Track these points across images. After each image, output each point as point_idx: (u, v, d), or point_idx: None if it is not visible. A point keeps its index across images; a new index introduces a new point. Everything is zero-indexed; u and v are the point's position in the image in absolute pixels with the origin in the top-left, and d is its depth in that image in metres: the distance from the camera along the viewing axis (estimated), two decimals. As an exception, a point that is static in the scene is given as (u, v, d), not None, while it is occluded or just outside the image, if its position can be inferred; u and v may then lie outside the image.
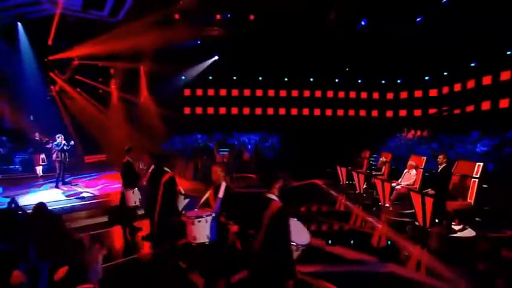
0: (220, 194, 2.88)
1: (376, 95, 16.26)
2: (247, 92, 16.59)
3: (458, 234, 5.11)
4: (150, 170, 4.37)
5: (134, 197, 4.62)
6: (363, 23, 11.21)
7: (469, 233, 5.15)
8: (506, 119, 10.27)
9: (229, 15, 11.03)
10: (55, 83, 11.75)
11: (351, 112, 16.48)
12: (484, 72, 11.92)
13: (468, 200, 5.09)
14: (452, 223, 5.25)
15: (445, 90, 13.90)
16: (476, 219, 5.47)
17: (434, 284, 3.76)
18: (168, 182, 3.46)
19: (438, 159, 5.38)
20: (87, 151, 12.84)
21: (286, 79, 16.31)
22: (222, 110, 16.63)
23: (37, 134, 9.38)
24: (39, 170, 9.06)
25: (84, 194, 6.93)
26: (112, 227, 5.08)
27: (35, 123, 10.49)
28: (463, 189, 5.27)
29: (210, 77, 16.17)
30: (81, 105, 12.18)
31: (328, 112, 16.56)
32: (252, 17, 11.02)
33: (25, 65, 10.96)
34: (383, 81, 15.93)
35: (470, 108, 12.57)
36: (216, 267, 2.83)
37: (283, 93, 16.56)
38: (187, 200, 3.84)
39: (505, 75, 11.24)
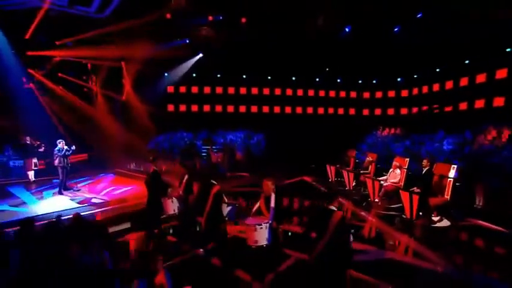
0: (272, 204, 3.55)
1: (353, 94, 17.61)
2: (231, 90, 17.09)
3: (437, 224, 6.32)
4: (184, 181, 4.87)
5: (173, 205, 5.07)
6: (347, 29, 12.26)
7: (445, 223, 6.39)
8: (466, 120, 12.05)
9: (221, 17, 11.40)
10: (33, 79, 11.23)
11: (331, 110, 17.72)
12: (446, 77, 13.69)
13: (445, 196, 6.31)
14: (432, 215, 6.46)
15: (415, 91, 15.62)
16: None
17: (425, 267, 4.82)
18: (217, 193, 4.04)
19: (423, 164, 6.54)
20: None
21: (269, 77, 17.09)
22: (206, 108, 16.98)
23: (28, 138, 9.07)
24: (31, 175, 8.85)
25: (95, 200, 7.12)
26: (139, 233, 5.46)
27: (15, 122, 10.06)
28: (441, 187, 6.49)
29: (194, 74, 16.42)
30: (63, 103, 11.79)
31: (309, 110, 17.66)
32: (244, 19, 11.50)
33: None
34: (360, 81, 17.36)
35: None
36: (268, 265, 3.52)
37: (266, 91, 17.32)
38: (229, 208, 4.43)
39: (463, 81, 13.08)
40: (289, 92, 17.43)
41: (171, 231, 5.50)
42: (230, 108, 17.13)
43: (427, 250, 5.38)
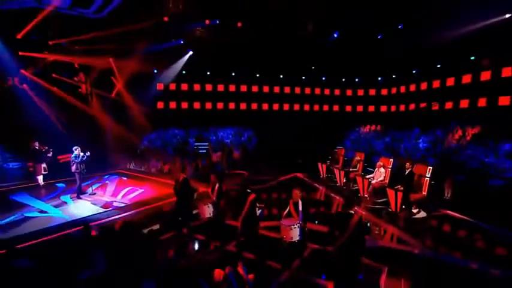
0: (300, 208, 4.69)
1: (337, 92, 19.11)
2: (220, 88, 17.87)
3: (416, 216, 7.85)
4: (216, 188, 5.86)
5: (209, 210, 6.00)
6: (335, 35, 13.48)
7: (422, 214, 7.94)
8: (437, 119, 13.93)
9: (217, 21, 12.10)
10: (26, 79, 11.28)
11: (316, 107, 19.15)
12: (422, 79, 15.48)
13: (423, 192, 7.84)
14: (412, 208, 7.99)
15: (393, 90, 17.38)
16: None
17: (408, 250, 6.26)
18: (253, 200, 5.09)
19: (406, 166, 8.02)
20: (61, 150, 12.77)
21: (258, 75, 18.05)
22: (197, 105, 17.67)
23: (36, 143, 9.38)
24: (40, 179, 9.25)
25: (116, 204, 7.81)
26: (170, 233, 6.37)
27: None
28: (420, 184, 8.01)
29: (184, 72, 16.94)
30: (57, 103, 11.99)
31: (296, 107, 18.96)
32: (239, 24, 12.30)
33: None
34: (343, 80, 18.85)
35: (412, 107, 16.21)
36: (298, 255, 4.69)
37: (255, 88, 18.33)
38: (260, 211, 5.47)
39: (436, 84, 14.92)
40: (276, 89, 18.58)
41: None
42: (220, 106, 17.95)
43: (408, 237, 6.86)
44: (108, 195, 8.61)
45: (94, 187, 9.03)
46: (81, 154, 8.25)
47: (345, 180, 10.61)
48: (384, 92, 17.90)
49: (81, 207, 7.46)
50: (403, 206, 7.93)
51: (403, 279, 5.11)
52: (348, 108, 19.06)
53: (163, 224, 6.62)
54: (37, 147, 9.38)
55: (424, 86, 15.53)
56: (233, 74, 17.65)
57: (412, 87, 16.17)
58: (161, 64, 15.09)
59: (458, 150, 11.03)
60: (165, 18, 11.68)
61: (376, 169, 9.43)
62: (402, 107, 16.83)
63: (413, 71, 15.85)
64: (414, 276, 5.21)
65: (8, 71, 10.83)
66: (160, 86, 16.85)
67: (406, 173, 7.93)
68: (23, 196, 8.83)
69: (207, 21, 12.00)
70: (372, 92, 18.42)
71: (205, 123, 16.86)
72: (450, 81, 14.17)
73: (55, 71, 11.98)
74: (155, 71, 16.32)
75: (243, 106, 18.25)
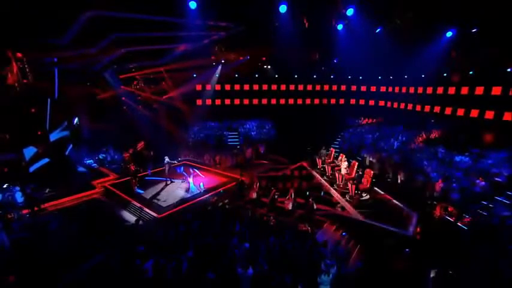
0: (292, 196, 14.15)
1: (343, 87, 27.00)
2: (246, 87, 26.40)
3: (363, 198, 17.09)
4: (258, 185, 15.36)
5: (255, 194, 15.50)
6: (335, 61, 21.59)
7: (367, 197, 17.11)
8: (416, 118, 22.20)
9: (248, 57, 20.52)
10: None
11: (325, 101, 27.38)
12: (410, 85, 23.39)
13: (367, 185, 17.01)
14: (362, 194, 17.27)
15: (390, 89, 25.35)
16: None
17: (354, 218, 15.62)
18: (274, 192, 14.48)
19: (359, 170, 17.03)
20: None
21: (276, 76, 26.40)
22: (227, 101, 26.34)
23: (152, 152, 18.91)
24: (150, 172, 18.91)
25: (201, 188, 17.32)
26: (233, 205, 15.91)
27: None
28: (367, 181, 17.14)
29: (217, 75, 25.49)
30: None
31: (308, 101, 27.20)
32: (263, 58, 20.70)
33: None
34: (349, 77, 26.87)
35: (402, 106, 24.44)
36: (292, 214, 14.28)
37: (274, 87, 26.65)
38: (276, 196, 14.86)
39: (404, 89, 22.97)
40: (292, 87, 26.71)
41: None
42: (246, 101, 26.54)
43: (356, 211, 16.19)
44: (193, 182, 18.02)
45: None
46: (169, 160, 17.56)
47: (330, 172, 19.82)
48: (383, 89, 25.95)
49: (180, 192, 17.02)
50: (357, 192, 17.18)
51: (334, 226, 14.50)
52: (352, 101, 27.41)
53: (230, 200, 16.15)
54: (152, 154, 18.87)
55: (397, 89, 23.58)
56: (256, 75, 26.09)
57: (399, 89, 24.16)
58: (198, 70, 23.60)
59: (414, 151, 19.91)
60: (213, 57, 20.26)
61: (341, 163, 18.43)
62: (395, 105, 25.12)
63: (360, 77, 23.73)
64: (341, 225, 14.57)
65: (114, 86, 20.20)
66: (198, 87, 25.70)
67: (359, 173, 17.04)
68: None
69: (241, 58, 20.49)
70: (373, 88, 26.47)
71: (235, 116, 25.81)
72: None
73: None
74: (194, 75, 25.06)
75: (264, 101, 26.87)
